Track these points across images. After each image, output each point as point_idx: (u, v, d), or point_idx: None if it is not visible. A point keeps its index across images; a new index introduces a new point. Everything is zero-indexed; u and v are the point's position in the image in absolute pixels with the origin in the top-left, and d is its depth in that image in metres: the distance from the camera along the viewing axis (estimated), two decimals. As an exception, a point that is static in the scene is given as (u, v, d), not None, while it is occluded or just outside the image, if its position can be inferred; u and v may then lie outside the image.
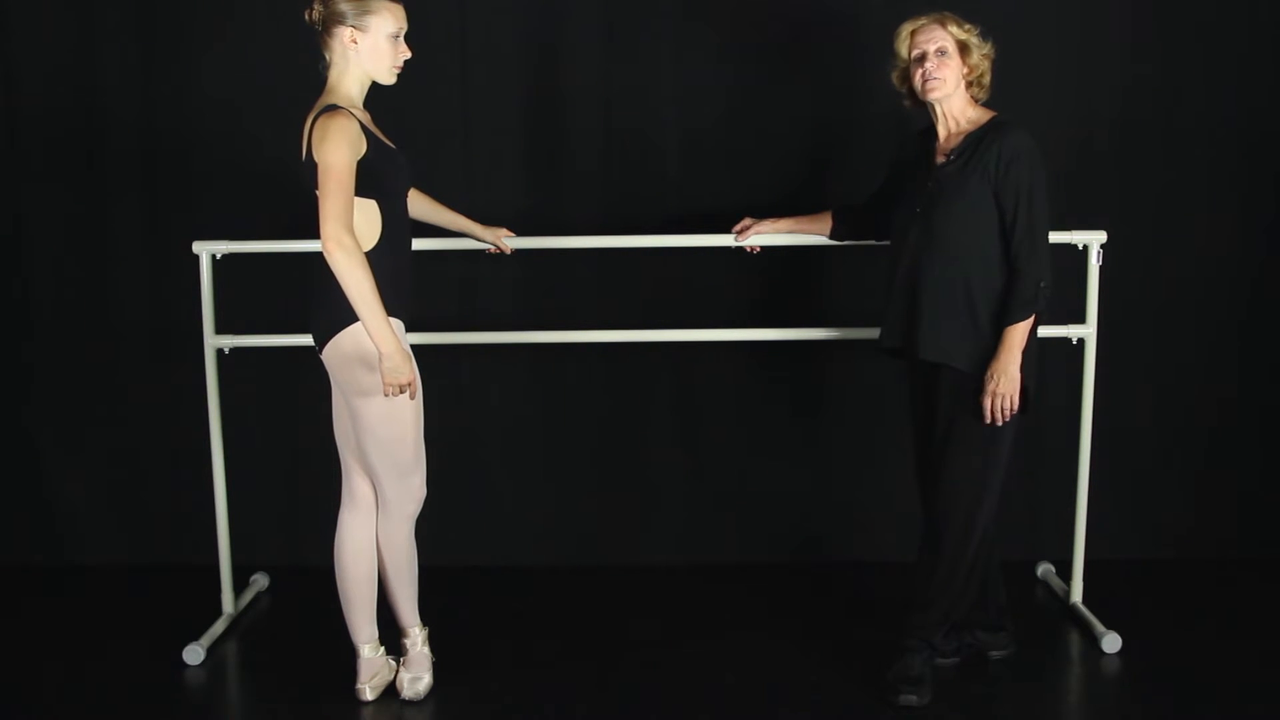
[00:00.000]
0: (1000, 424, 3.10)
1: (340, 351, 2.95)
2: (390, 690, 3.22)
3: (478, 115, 3.98)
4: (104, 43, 3.94)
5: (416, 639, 3.23)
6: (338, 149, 2.79)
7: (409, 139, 3.87)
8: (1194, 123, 4.00)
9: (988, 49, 3.18)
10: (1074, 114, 3.98)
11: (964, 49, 3.15)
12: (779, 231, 3.56)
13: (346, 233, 2.78)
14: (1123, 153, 4.01)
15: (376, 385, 2.94)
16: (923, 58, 3.15)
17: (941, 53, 3.14)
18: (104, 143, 3.99)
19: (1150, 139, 4.00)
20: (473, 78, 3.96)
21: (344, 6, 2.90)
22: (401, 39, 2.97)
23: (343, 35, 2.92)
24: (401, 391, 2.90)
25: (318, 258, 2.85)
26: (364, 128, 2.90)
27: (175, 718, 3.19)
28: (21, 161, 4.01)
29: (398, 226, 3.00)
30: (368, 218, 2.92)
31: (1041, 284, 3.07)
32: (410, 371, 2.91)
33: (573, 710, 3.16)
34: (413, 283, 3.08)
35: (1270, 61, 3.98)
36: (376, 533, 3.15)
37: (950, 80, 3.15)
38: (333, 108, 2.87)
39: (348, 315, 2.90)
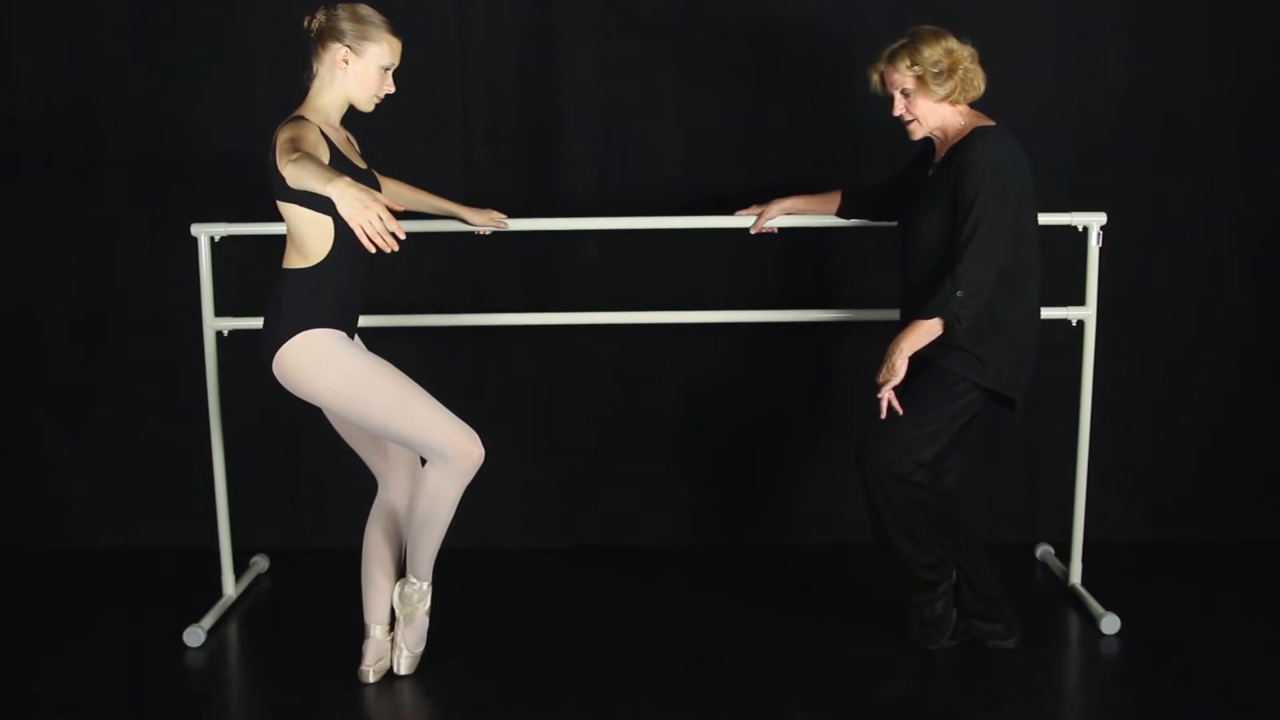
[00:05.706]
0: (881, 398, 3.13)
1: (286, 370, 2.93)
2: (390, 673, 3.22)
3: (476, 106, 3.97)
4: (104, 29, 3.92)
5: (424, 590, 3.15)
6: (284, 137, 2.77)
7: (408, 128, 3.89)
8: (1194, 104, 3.98)
9: (959, 59, 3.10)
10: (1075, 96, 3.96)
11: (922, 81, 3.11)
12: (788, 212, 3.55)
13: (286, 151, 2.68)
14: (1123, 134, 3.99)
15: (338, 381, 2.91)
16: (891, 101, 3.18)
17: (905, 94, 3.15)
18: (103, 125, 3.98)
19: (1151, 121, 3.99)
20: (471, 66, 3.94)
21: (346, 25, 2.90)
22: (390, 74, 2.97)
23: (336, 52, 2.91)
24: (381, 225, 2.53)
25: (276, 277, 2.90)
26: (331, 144, 2.89)
27: (176, 700, 3.20)
28: (21, 145, 3.99)
29: (351, 245, 2.89)
30: (319, 232, 2.89)
31: (958, 293, 3.03)
32: (368, 195, 2.54)
33: (572, 693, 3.16)
34: (361, 301, 3.06)
35: (1269, 46, 3.96)
36: (423, 480, 3.01)
37: (924, 116, 3.16)
38: (299, 118, 2.88)
39: (280, 334, 2.91)
